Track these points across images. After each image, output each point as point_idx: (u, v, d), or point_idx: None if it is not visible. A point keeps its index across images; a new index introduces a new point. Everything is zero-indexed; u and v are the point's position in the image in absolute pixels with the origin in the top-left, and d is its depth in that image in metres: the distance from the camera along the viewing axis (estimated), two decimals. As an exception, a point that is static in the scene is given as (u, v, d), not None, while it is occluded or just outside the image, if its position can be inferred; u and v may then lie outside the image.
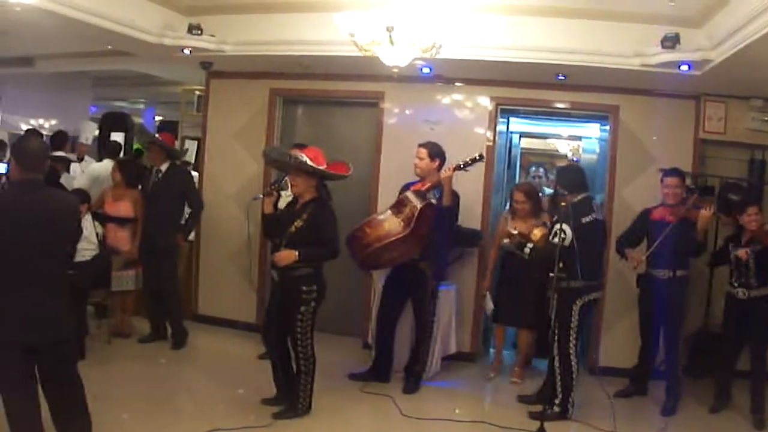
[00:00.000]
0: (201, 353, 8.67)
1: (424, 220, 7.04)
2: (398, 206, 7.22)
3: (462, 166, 7.15)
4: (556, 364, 6.93)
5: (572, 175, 7.16)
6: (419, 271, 7.40)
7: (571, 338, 6.87)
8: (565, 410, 6.91)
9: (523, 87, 8.51)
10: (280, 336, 6.58)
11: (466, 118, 8.78)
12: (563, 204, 6.67)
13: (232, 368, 8.04)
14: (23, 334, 4.69)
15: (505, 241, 7.39)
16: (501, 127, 9.24)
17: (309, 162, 6.30)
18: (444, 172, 7.13)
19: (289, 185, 6.74)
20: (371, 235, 7.09)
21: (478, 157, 7.17)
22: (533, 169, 10.26)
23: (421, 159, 7.42)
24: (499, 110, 8.78)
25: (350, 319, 9.21)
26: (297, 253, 6.22)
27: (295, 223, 6.35)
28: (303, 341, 6.43)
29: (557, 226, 6.67)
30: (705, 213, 6.97)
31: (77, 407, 5.01)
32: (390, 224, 7.10)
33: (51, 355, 4.83)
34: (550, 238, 6.69)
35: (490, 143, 8.68)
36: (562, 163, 10.56)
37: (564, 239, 6.59)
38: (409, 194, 7.22)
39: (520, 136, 10.73)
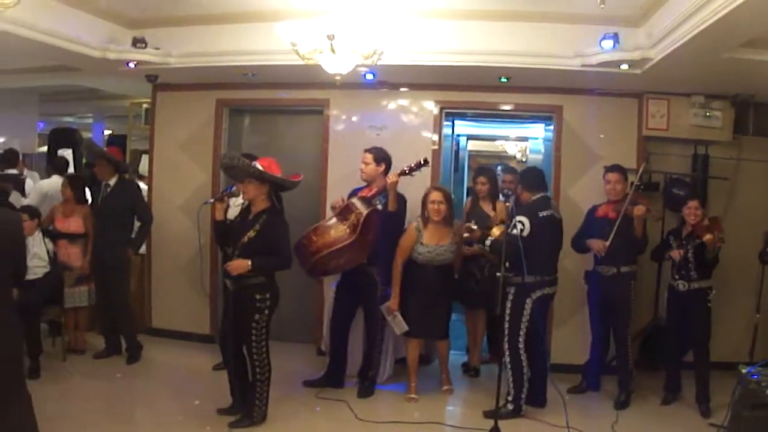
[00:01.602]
0: (156, 366, 8.65)
1: (369, 226, 7.14)
2: (344, 213, 7.29)
3: (407, 171, 7.27)
4: (507, 360, 7.05)
5: (533, 175, 7.39)
6: (368, 276, 7.51)
7: (521, 334, 6.99)
8: (518, 408, 7.03)
9: (467, 90, 8.62)
10: (236, 345, 6.65)
11: (412, 123, 8.88)
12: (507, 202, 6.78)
13: (188, 380, 8.07)
14: None
15: (466, 235, 7.20)
16: (447, 131, 9.33)
17: (259, 168, 6.39)
18: (389, 178, 7.22)
19: (241, 193, 6.79)
20: (318, 243, 7.16)
21: (422, 162, 7.27)
22: (497, 167, 10.34)
23: (366, 164, 7.52)
24: (444, 114, 8.89)
25: (303, 326, 9.30)
26: (250, 263, 6.30)
27: (248, 233, 6.43)
28: (258, 349, 6.50)
29: (516, 218, 6.79)
30: (638, 210, 7.18)
31: (26, 426, 4.97)
32: (336, 231, 7.18)
33: (7, 371, 4.81)
34: (509, 230, 6.73)
35: (436, 147, 8.78)
36: (511, 164, 10.71)
37: (523, 230, 6.75)
38: (355, 201, 7.30)
39: (467, 139, 10.85)
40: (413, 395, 7.55)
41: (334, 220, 7.34)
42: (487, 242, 7.01)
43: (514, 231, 6.73)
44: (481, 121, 10.13)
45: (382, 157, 7.53)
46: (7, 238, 4.95)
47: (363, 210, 7.15)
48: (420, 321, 7.49)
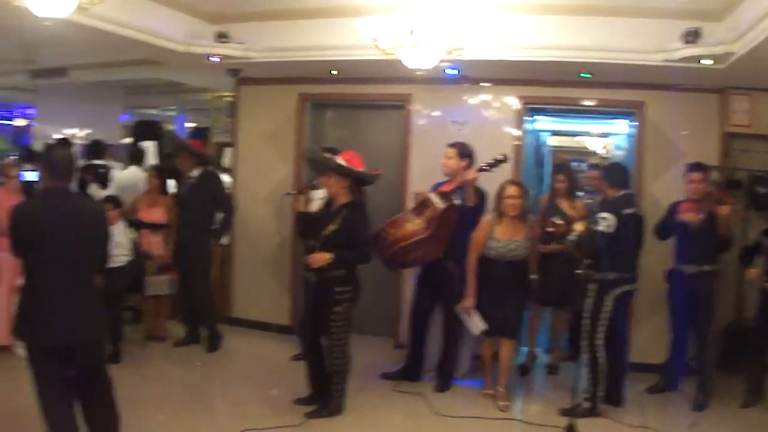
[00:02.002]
0: (235, 355, 8.85)
1: (445, 222, 7.20)
2: (420, 207, 7.37)
3: (485, 167, 7.26)
4: (585, 357, 7.02)
5: (617, 172, 7.37)
6: (446, 271, 7.50)
7: (600, 331, 6.95)
8: (595, 406, 6.98)
9: (549, 85, 8.58)
10: (315, 336, 6.78)
11: (493, 118, 8.87)
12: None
13: (266, 370, 8.21)
14: (55, 336, 4.93)
15: (550, 229, 7.20)
16: (529, 126, 9.31)
17: (341, 162, 6.50)
18: (467, 174, 7.24)
19: (322, 186, 6.93)
20: (394, 236, 7.26)
21: (501, 158, 7.28)
22: (576, 165, 10.24)
23: (449, 159, 7.52)
24: (526, 109, 8.86)
25: (382, 320, 9.36)
26: (330, 256, 6.41)
27: (329, 227, 6.53)
28: (339, 341, 6.63)
29: (599, 215, 6.78)
30: (722, 209, 7.09)
31: (106, 407, 5.25)
32: (412, 225, 7.27)
33: (82, 356, 5.09)
34: (594, 227, 6.72)
35: (518, 142, 8.77)
36: (593, 161, 10.64)
37: (609, 226, 6.70)
38: (432, 195, 7.35)
39: (550, 134, 10.83)
40: (490, 391, 7.47)
41: (410, 213, 7.44)
42: (571, 238, 6.85)
43: (599, 227, 6.70)
44: (564, 117, 10.08)
45: (465, 153, 7.52)
46: (91, 227, 5.18)
47: (440, 205, 7.20)
48: (490, 318, 7.29)
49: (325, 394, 6.80)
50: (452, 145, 7.61)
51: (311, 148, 7.22)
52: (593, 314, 6.97)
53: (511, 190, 7.23)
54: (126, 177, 10.35)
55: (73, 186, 5.21)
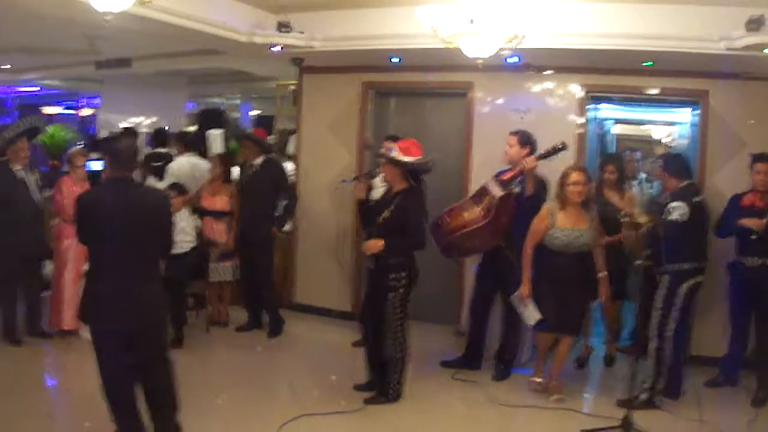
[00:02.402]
0: (296, 341, 9.02)
1: (503, 210, 7.21)
2: (479, 195, 7.42)
3: (544, 155, 7.24)
4: (652, 348, 6.97)
5: (678, 162, 7.32)
6: (506, 260, 7.51)
7: (671, 323, 6.91)
8: (654, 398, 6.95)
9: (612, 74, 8.52)
10: (374, 323, 6.88)
11: (556, 106, 8.86)
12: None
13: (327, 355, 8.38)
14: (117, 320, 5.13)
15: (626, 219, 6.79)
16: (592, 114, 9.28)
17: (385, 151, 6.73)
18: (526, 162, 7.20)
19: (380, 174, 7.12)
20: (451, 224, 7.36)
21: (560, 146, 7.22)
22: (627, 153, 10.18)
23: (511, 146, 7.56)
24: (589, 97, 8.85)
25: (442, 307, 9.43)
26: (383, 243, 6.54)
27: (383, 214, 6.67)
28: (395, 328, 6.72)
29: (670, 204, 6.75)
30: None
31: (166, 390, 5.42)
32: (470, 213, 7.32)
33: (144, 340, 5.27)
34: (664, 216, 6.71)
35: (581, 131, 8.75)
36: (659, 150, 10.59)
37: (682, 215, 6.67)
38: (490, 184, 7.38)
39: (614, 123, 10.81)
40: (538, 379, 7.36)
41: (468, 201, 7.49)
42: (643, 230, 6.62)
43: (672, 217, 6.68)
44: (629, 105, 10.06)
45: (526, 140, 7.53)
46: (152, 216, 5.32)
47: (497, 193, 7.23)
48: (552, 313, 7.05)
49: (383, 380, 6.91)
50: (514, 133, 7.64)
51: (367, 137, 7.32)
52: (665, 306, 6.92)
53: (575, 176, 6.99)
54: (178, 165, 10.48)
55: (136, 175, 5.36)
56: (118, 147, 5.34)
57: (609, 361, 8.42)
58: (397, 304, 6.69)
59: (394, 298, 6.66)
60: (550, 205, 7.12)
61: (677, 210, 6.69)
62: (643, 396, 6.94)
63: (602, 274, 7.13)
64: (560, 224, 6.97)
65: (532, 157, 7.26)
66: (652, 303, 7.03)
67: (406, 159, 6.61)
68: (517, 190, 7.34)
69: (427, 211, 7.28)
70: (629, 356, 8.12)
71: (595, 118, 9.83)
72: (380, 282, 6.73)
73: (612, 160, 8.45)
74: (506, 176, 7.39)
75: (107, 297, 5.15)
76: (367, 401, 6.84)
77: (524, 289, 7.10)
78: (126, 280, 5.14)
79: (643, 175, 8.68)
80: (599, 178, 8.26)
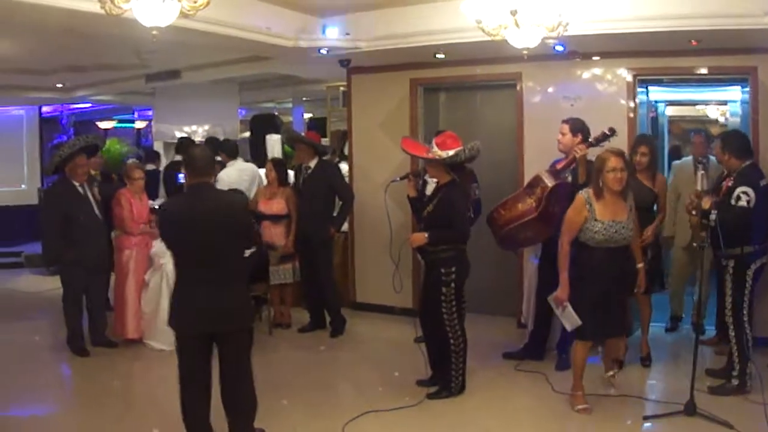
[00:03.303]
0: (359, 339, 9.21)
1: (555, 200, 7.20)
2: (531, 186, 7.46)
3: (594, 142, 7.26)
4: (732, 334, 6.85)
5: (739, 141, 7.11)
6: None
7: (745, 305, 6.81)
8: (743, 383, 6.80)
9: (659, 56, 8.50)
10: (431, 317, 7.02)
11: (606, 91, 8.88)
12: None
13: (389, 352, 8.53)
14: (200, 325, 5.35)
15: (694, 213, 6.66)
16: (642, 98, 9.29)
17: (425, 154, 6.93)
18: (576, 150, 7.25)
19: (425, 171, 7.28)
20: (505, 216, 7.42)
21: (609, 132, 7.22)
22: (693, 134, 9.99)
23: (563, 135, 7.61)
24: (637, 80, 8.84)
25: (504, 299, 9.53)
26: (426, 236, 6.75)
27: (428, 207, 6.91)
28: (450, 321, 6.86)
29: (738, 189, 6.62)
30: None
31: (245, 394, 5.59)
32: (523, 205, 7.36)
33: (230, 343, 5.46)
34: (733, 202, 6.58)
35: (632, 114, 8.75)
36: (714, 129, 10.54)
37: (749, 201, 6.56)
38: (542, 174, 7.41)
39: (665, 105, 10.80)
40: (582, 406, 6.63)
41: (521, 193, 7.53)
42: (712, 217, 6.35)
43: (741, 203, 6.56)
44: (679, 86, 10.05)
45: (578, 128, 7.57)
46: (232, 219, 5.45)
47: (549, 183, 7.26)
48: (591, 321, 6.43)
49: (444, 374, 7.03)
50: (566, 121, 7.69)
51: (418, 167, 7.49)
52: (736, 290, 6.80)
53: (614, 161, 6.28)
54: (226, 173, 10.61)
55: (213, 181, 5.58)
56: (192, 154, 5.58)
57: (645, 360, 7.98)
58: (450, 298, 6.82)
59: (447, 292, 6.80)
60: (585, 194, 6.44)
61: (745, 196, 6.57)
62: (734, 381, 6.84)
63: (640, 266, 6.76)
64: (599, 216, 6.30)
65: (583, 144, 7.32)
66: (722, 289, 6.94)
67: (440, 154, 6.77)
68: (569, 178, 7.39)
69: (479, 204, 7.44)
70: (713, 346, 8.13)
71: (647, 101, 9.79)
72: (432, 277, 6.90)
73: (644, 141, 7.93)
74: (560, 165, 7.46)
75: (188, 301, 5.38)
76: (430, 396, 6.97)
77: (562, 292, 6.54)
78: (208, 284, 5.31)
79: (712, 158, 8.45)
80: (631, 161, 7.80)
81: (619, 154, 6.40)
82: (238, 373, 5.53)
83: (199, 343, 5.37)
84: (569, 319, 6.54)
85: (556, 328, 7.99)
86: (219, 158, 10.98)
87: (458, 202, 6.86)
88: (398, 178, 7.54)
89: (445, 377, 7.04)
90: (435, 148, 6.84)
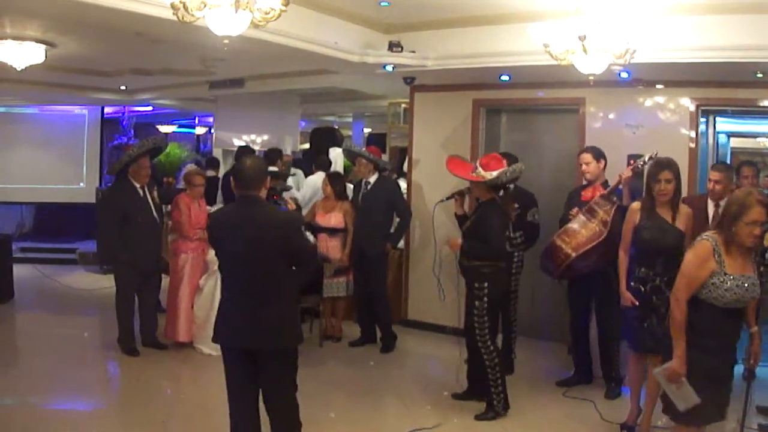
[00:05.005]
0: (409, 356, 9.31)
1: (617, 221, 7.16)
2: (590, 212, 7.45)
3: (640, 166, 7.19)
4: None
5: None
6: (601, 274, 7.50)
7: None
8: None
9: (723, 87, 8.50)
10: (469, 332, 7.26)
11: (668, 120, 8.88)
12: None
13: (439, 371, 8.61)
14: (239, 340, 5.33)
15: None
16: (704, 128, 9.30)
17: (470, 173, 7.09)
18: (624, 173, 7.28)
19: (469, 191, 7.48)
20: (570, 244, 7.37)
21: (654, 156, 7.01)
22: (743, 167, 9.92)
23: (587, 164, 7.78)
24: (700, 111, 8.83)
25: (555, 325, 9.48)
26: (460, 241, 7.09)
27: (467, 223, 7.21)
28: (482, 336, 7.03)
29: None
30: None
31: (285, 415, 5.49)
32: (587, 230, 7.36)
33: (268, 363, 5.34)
34: None
35: (693, 145, 8.75)
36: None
37: None
38: (598, 200, 7.45)
39: (727, 136, 10.76)
40: None
41: (582, 219, 7.48)
42: None
43: None
44: (744, 118, 10.02)
45: (599, 155, 7.78)
46: (273, 236, 5.26)
47: (610, 207, 7.30)
48: (710, 402, 5.20)
49: (483, 391, 7.19)
50: (585, 150, 7.90)
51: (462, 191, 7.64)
52: None
53: (758, 212, 5.07)
54: (317, 180, 10.86)
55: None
56: (240, 166, 5.49)
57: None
58: (483, 313, 6.98)
59: (480, 306, 6.99)
60: (712, 240, 5.14)
61: None
62: None
63: (754, 330, 5.48)
64: (729, 269, 5.09)
65: (629, 168, 7.35)
66: None
67: (484, 175, 6.95)
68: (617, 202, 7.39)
69: (538, 228, 7.60)
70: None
71: (707, 132, 9.77)
72: (469, 291, 7.14)
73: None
74: (596, 192, 7.59)
75: (230, 315, 5.37)
76: (478, 417, 7.07)
77: (679, 364, 5.17)
78: (248, 299, 5.28)
79: (765, 191, 8.37)
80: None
81: (765, 204, 5.12)
82: (277, 394, 5.45)
83: (239, 357, 5.36)
84: (686, 398, 5.20)
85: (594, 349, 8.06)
86: (275, 168, 11.16)
87: (495, 220, 7.01)
88: (445, 198, 7.69)
89: (487, 395, 7.15)
90: (479, 169, 7.02)
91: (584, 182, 7.97)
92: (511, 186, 7.59)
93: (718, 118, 9.77)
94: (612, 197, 7.43)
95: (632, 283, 6.59)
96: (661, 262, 6.39)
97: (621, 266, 6.76)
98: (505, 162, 7.07)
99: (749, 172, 8.22)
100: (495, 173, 6.92)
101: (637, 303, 6.47)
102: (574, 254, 7.35)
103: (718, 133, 10.24)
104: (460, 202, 7.50)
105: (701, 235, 5.29)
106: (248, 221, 5.26)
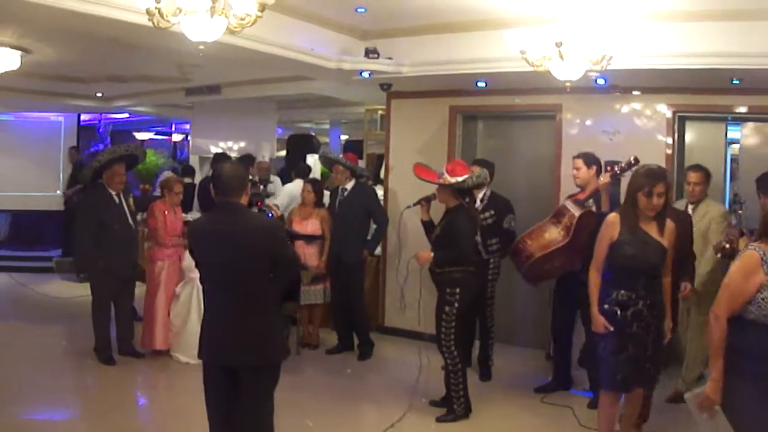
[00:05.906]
0: (386, 363, 9.27)
1: (583, 229, 7.20)
2: (557, 216, 7.52)
3: (618, 172, 7.14)
4: None
5: None
6: (581, 284, 6.95)
7: None
8: None
9: (700, 93, 8.52)
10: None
11: (645, 127, 8.89)
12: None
13: (416, 378, 8.41)
14: (221, 356, 5.13)
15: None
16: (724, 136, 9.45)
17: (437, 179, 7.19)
18: (601, 179, 7.26)
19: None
20: (532, 246, 7.49)
21: (633, 162, 6.99)
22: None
23: (578, 169, 7.70)
24: (677, 117, 8.86)
25: (533, 331, 9.56)
26: (431, 254, 7.08)
27: (435, 230, 7.26)
28: (446, 341, 7.09)
29: None
30: None
31: (262, 422, 5.23)
32: (550, 234, 7.43)
33: (248, 379, 5.09)
34: None
35: (669, 151, 8.76)
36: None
37: None
38: (568, 203, 7.51)
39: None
40: None
41: (548, 222, 7.57)
42: None
43: None
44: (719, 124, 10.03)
45: (591, 160, 7.67)
46: (255, 244, 5.05)
47: (576, 212, 7.33)
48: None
49: (448, 395, 7.26)
50: (578, 156, 7.79)
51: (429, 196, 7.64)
52: None
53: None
54: (294, 188, 10.80)
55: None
56: (219, 172, 5.22)
57: None
58: (451, 318, 7.04)
59: (449, 311, 7.03)
60: (761, 251, 4.52)
61: None
62: None
63: None
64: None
65: (606, 174, 7.30)
66: None
67: (449, 180, 7.10)
68: (593, 209, 7.36)
69: (514, 235, 7.66)
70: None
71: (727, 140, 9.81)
72: (439, 296, 7.15)
73: (661, 178, 5.80)
74: (581, 196, 7.53)
75: (214, 331, 5.16)
76: (439, 419, 7.17)
77: (713, 390, 4.58)
78: (231, 311, 5.08)
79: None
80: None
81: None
82: (252, 413, 5.17)
83: (221, 372, 5.12)
84: (719, 430, 4.57)
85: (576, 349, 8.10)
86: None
87: (462, 225, 7.06)
88: (412, 204, 7.72)
89: (448, 399, 7.24)
90: (445, 175, 7.14)
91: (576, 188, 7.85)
92: (488, 192, 7.97)
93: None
94: (585, 202, 7.42)
95: (605, 306, 5.83)
96: (643, 284, 5.73)
97: (592, 287, 5.98)
98: (470, 169, 7.26)
99: (696, 179, 7.74)
100: (461, 178, 7.04)
101: (612, 328, 5.76)
102: (537, 254, 7.44)
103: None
104: (426, 208, 7.55)
105: (747, 245, 4.80)
106: (230, 229, 5.05)
